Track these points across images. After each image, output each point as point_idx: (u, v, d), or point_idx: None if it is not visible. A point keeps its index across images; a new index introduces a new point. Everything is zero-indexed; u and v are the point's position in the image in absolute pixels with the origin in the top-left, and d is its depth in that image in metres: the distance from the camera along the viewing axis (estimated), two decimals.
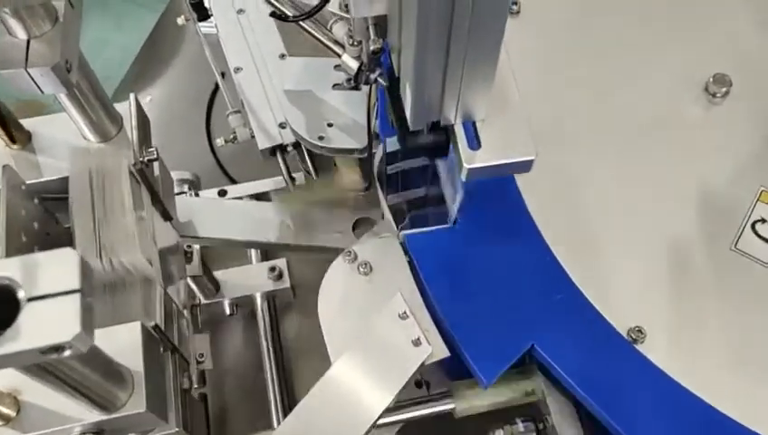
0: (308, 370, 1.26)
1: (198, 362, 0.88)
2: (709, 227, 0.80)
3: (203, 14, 1.01)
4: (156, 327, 0.71)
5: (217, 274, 1.22)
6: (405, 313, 0.71)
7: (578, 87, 0.88)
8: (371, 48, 0.68)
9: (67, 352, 0.44)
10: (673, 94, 0.88)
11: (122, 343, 0.64)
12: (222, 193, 1.31)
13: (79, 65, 0.70)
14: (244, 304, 1.26)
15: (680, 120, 0.87)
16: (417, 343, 0.70)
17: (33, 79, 0.63)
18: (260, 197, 1.33)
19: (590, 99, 0.88)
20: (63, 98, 0.72)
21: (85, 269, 0.46)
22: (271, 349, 1.23)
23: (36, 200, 0.75)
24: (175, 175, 1.31)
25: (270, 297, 1.25)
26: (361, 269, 0.76)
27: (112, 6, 2.59)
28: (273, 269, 1.23)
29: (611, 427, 0.71)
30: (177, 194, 1.27)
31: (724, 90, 0.86)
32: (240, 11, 1.04)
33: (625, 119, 0.86)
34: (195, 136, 1.52)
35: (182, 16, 1.02)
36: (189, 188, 1.32)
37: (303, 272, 1.30)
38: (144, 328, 0.66)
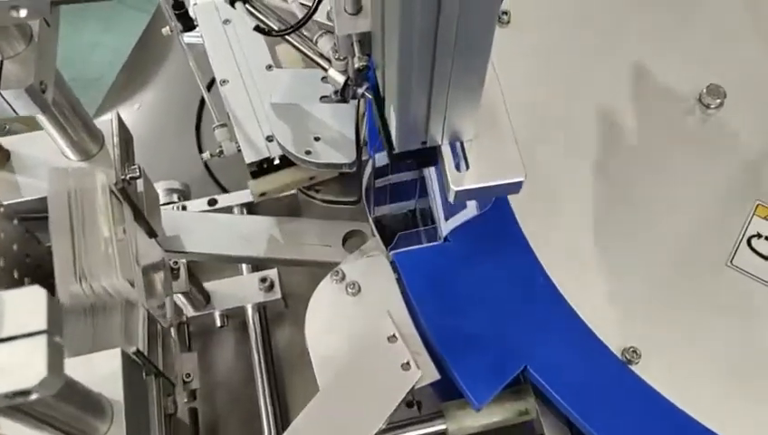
0: (300, 381, 1.24)
1: (185, 383, 0.87)
2: (704, 244, 0.78)
3: (188, 25, 0.99)
4: (138, 352, 0.69)
5: (207, 285, 1.20)
6: (394, 335, 0.70)
7: (569, 100, 0.87)
8: (356, 66, 0.66)
9: (34, 396, 0.43)
10: (667, 105, 0.86)
11: (101, 371, 0.63)
12: (212, 202, 1.29)
13: (56, 83, 0.68)
14: (234, 316, 1.24)
15: (674, 132, 0.85)
16: (406, 366, 0.68)
17: (6, 101, 0.62)
18: (251, 205, 1.31)
19: (582, 112, 0.86)
20: (41, 117, 0.70)
21: (53, 308, 0.44)
22: (262, 361, 1.21)
23: (16, 221, 0.73)
24: (164, 184, 1.30)
25: (261, 308, 1.23)
26: (350, 290, 0.75)
27: (102, 8, 2.57)
28: (263, 280, 1.21)
29: None
30: (167, 204, 1.26)
31: (718, 101, 0.84)
32: (226, 21, 1.02)
33: (618, 133, 0.84)
34: (184, 143, 1.50)
35: (167, 27, 0.99)
36: (179, 198, 1.30)
37: (295, 282, 1.28)
38: (125, 354, 0.64)
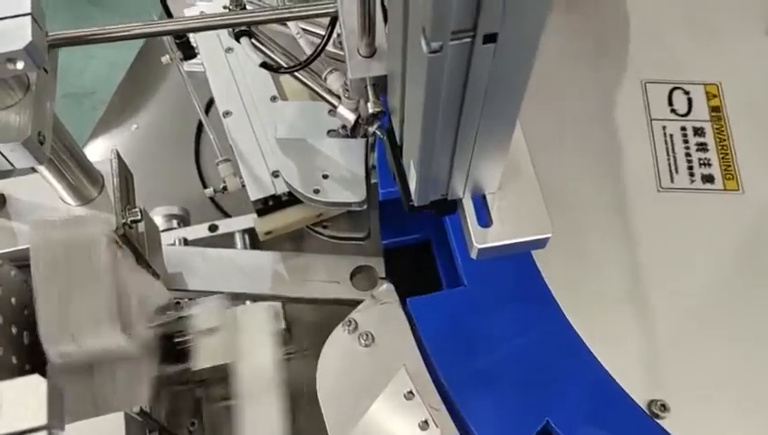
0: (304, 412, 1.21)
1: (190, 432, 0.83)
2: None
3: (189, 54, 0.95)
4: (141, 412, 0.65)
5: None
6: (410, 392, 0.66)
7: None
8: (370, 111, 0.63)
9: None
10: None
11: None
12: (213, 228, 1.26)
13: (54, 129, 0.64)
14: None
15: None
16: (424, 425, 0.65)
17: (2, 154, 0.58)
18: (254, 232, 1.27)
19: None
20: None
21: (53, 398, 0.41)
22: None
23: (14, 272, 0.70)
24: (163, 210, 1.26)
25: None
26: (362, 341, 0.71)
27: (97, 19, 2.53)
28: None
29: None
30: (166, 230, 1.22)
31: None
32: (229, 49, 0.98)
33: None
34: (184, 165, 1.46)
35: (166, 55, 0.96)
36: (178, 224, 1.27)
37: (299, 311, 1.25)
38: (128, 417, 0.61)
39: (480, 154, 0.52)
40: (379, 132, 0.72)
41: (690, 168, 0.81)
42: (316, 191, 0.82)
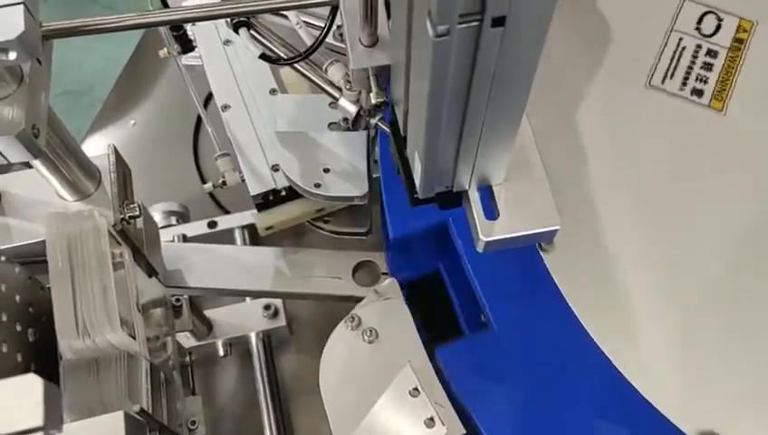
0: (306, 409, 1.20)
1: (191, 430, 0.82)
2: None
3: (187, 47, 0.94)
4: (141, 411, 0.64)
5: (209, 313, 1.16)
6: (415, 388, 0.65)
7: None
8: (373, 102, 0.62)
9: None
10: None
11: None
12: (212, 224, 1.25)
13: (49, 122, 0.63)
14: (238, 344, 1.20)
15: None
16: (429, 423, 0.64)
17: None
18: (253, 228, 1.26)
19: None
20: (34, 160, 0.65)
21: (50, 398, 0.40)
22: (267, 390, 1.16)
23: (18, 269, 0.68)
24: (162, 206, 1.25)
25: (265, 336, 1.19)
26: (366, 336, 0.70)
27: (93, 15, 2.51)
28: (267, 307, 1.16)
29: None
30: (165, 227, 1.21)
31: None
32: (227, 42, 0.96)
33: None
34: (182, 161, 1.45)
35: (164, 49, 0.94)
36: (177, 221, 1.26)
37: (300, 306, 1.24)
38: (127, 416, 0.59)
39: (487, 143, 0.50)
40: (381, 124, 0.70)
41: (686, 77, 0.82)
42: (317, 185, 0.80)
